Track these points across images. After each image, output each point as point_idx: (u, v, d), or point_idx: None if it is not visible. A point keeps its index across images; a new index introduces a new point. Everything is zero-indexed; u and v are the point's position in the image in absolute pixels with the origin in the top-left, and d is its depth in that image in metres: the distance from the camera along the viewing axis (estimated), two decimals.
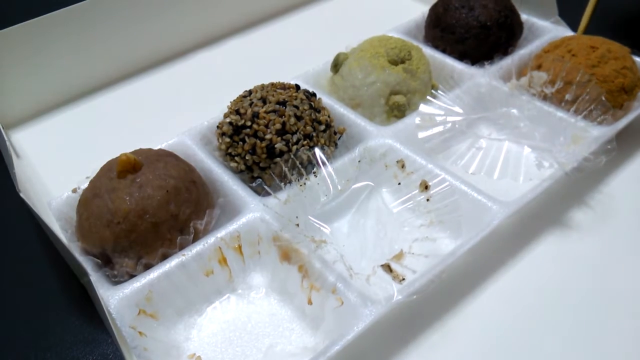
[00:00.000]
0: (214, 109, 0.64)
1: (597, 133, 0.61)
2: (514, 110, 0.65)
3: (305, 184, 0.55)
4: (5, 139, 0.61)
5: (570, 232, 0.57)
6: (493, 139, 0.64)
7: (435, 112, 0.64)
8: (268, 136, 0.57)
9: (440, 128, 0.63)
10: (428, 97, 0.65)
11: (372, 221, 0.57)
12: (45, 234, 0.60)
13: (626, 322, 0.50)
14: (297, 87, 0.62)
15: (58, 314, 0.55)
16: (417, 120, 0.63)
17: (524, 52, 0.74)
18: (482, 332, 0.49)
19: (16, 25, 0.72)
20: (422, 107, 0.64)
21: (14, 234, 0.64)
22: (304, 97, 0.60)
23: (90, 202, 0.52)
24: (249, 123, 0.57)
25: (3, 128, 0.75)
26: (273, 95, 0.59)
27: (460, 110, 0.64)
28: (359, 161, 0.59)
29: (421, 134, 0.62)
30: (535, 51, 0.74)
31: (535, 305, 0.51)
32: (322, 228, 0.53)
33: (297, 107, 0.59)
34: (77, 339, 0.53)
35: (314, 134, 0.59)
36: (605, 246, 0.56)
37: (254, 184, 0.57)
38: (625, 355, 0.48)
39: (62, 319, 0.54)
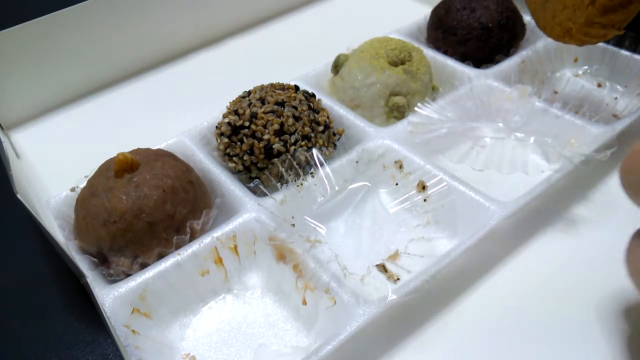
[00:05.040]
0: (214, 110, 0.64)
1: (596, 131, 0.60)
2: (511, 113, 0.65)
3: (302, 184, 0.55)
4: (4, 139, 0.62)
5: (571, 230, 0.57)
6: (495, 137, 0.63)
7: (429, 117, 0.64)
8: (266, 137, 0.57)
9: (437, 132, 0.63)
10: (416, 108, 0.64)
11: (368, 221, 0.57)
12: (44, 234, 0.61)
13: (626, 320, 0.49)
14: (297, 87, 0.62)
15: (58, 314, 0.55)
16: (410, 127, 0.63)
17: (525, 53, 0.73)
18: (478, 332, 0.49)
19: (16, 26, 0.73)
20: (412, 117, 0.64)
21: (14, 234, 0.64)
22: (302, 98, 0.60)
23: (88, 201, 0.52)
24: (247, 123, 0.57)
25: (3, 128, 0.75)
26: (272, 96, 0.59)
27: (454, 117, 0.64)
28: (357, 162, 0.59)
29: (418, 139, 0.62)
30: (539, 51, 0.73)
31: (532, 303, 0.51)
32: (318, 228, 0.53)
33: (295, 107, 0.58)
34: (77, 339, 0.53)
35: (312, 135, 0.58)
36: (605, 245, 0.55)
37: (251, 184, 0.57)
38: (625, 350, 0.47)
39: (62, 319, 0.54)
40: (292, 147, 0.57)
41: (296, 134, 0.57)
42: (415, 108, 0.64)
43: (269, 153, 0.57)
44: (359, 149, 0.60)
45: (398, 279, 0.49)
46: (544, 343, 0.48)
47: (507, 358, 0.47)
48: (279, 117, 0.57)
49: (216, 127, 0.61)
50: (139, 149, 0.57)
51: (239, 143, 0.58)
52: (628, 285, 0.51)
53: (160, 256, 0.51)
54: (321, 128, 0.59)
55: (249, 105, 0.59)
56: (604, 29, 0.56)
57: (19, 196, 0.49)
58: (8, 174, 0.53)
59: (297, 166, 0.56)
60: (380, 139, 0.61)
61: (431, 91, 0.69)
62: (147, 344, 0.46)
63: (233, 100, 0.63)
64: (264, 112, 0.57)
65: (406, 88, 0.66)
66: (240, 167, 0.58)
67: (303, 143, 0.58)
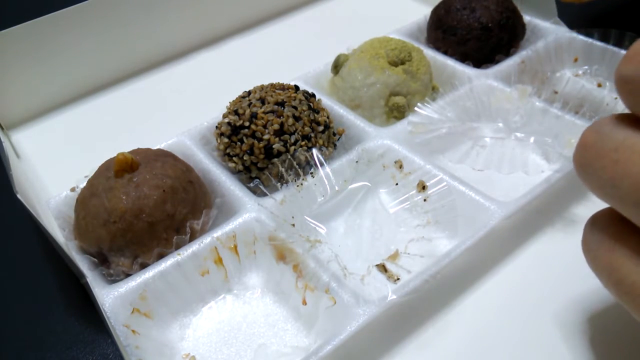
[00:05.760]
0: (214, 109, 0.64)
1: None
2: (511, 113, 0.65)
3: (302, 184, 0.55)
4: (4, 139, 0.62)
5: (571, 230, 0.57)
6: (495, 137, 0.63)
7: (429, 117, 0.64)
8: (266, 137, 0.57)
9: (437, 132, 0.63)
10: (416, 108, 0.64)
11: (368, 221, 0.57)
12: (44, 234, 0.61)
13: (628, 316, 0.49)
14: (297, 87, 0.62)
15: (58, 314, 0.55)
16: (410, 127, 0.63)
17: (525, 53, 0.73)
18: (478, 332, 0.49)
19: (16, 26, 0.73)
20: (412, 117, 0.64)
21: (14, 234, 0.64)
22: (303, 98, 0.60)
23: (88, 201, 0.52)
24: (247, 123, 0.57)
25: (3, 128, 0.75)
26: (272, 96, 0.59)
27: (454, 117, 0.64)
28: (357, 162, 0.59)
29: (418, 139, 0.62)
30: (539, 51, 0.73)
31: (532, 303, 0.51)
32: (317, 228, 0.53)
33: (295, 107, 0.58)
34: (77, 339, 0.53)
35: (312, 135, 0.58)
36: None
37: (251, 184, 0.57)
38: (625, 350, 0.47)
39: (62, 319, 0.54)
40: (292, 147, 0.57)
41: (296, 134, 0.57)
42: (415, 108, 0.64)
43: (269, 153, 0.57)
44: (359, 149, 0.60)
45: (398, 279, 0.49)
46: (544, 342, 0.48)
47: (508, 358, 0.47)
48: (279, 117, 0.57)
49: (216, 127, 0.61)
50: (138, 148, 0.57)
51: (239, 143, 0.58)
52: None
53: (160, 256, 0.51)
54: (321, 128, 0.59)
55: (249, 105, 0.59)
56: None
57: (19, 196, 0.49)
58: (8, 174, 0.53)
59: (297, 166, 0.56)
60: (380, 139, 0.61)
61: (431, 91, 0.69)
62: (147, 344, 0.46)
63: (233, 100, 0.63)
64: (264, 112, 0.57)
65: (406, 88, 0.66)
66: (240, 167, 0.58)
67: (303, 143, 0.58)
